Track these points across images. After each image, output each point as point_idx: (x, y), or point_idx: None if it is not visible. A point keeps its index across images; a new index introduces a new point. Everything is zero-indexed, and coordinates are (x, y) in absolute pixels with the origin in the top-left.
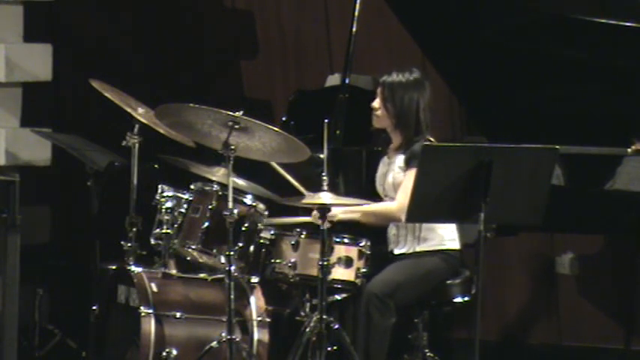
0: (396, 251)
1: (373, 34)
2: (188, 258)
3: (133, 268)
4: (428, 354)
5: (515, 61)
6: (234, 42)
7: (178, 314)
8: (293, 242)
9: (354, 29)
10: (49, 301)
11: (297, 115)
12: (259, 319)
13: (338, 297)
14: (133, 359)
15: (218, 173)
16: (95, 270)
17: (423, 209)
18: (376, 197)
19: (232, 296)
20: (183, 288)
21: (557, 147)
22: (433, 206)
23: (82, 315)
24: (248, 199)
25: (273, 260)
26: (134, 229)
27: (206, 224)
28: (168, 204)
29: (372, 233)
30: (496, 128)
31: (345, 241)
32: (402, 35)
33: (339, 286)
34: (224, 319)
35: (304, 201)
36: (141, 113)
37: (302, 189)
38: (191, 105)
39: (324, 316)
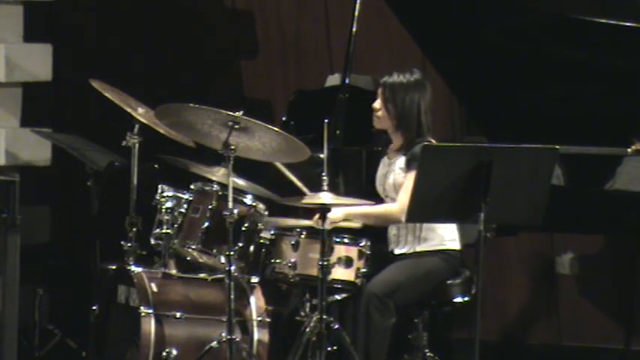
0: (397, 251)
1: (373, 34)
2: (188, 258)
3: (133, 268)
4: (428, 354)
5: (515, 61)
6: (234, 42)
7: (178, 314)
8: (293, 242)
9: (354, 29)
10: (49, 301)
11: (297, 115)
12: (259, 319)
13: (338, 297)
14: (133, 359)
15: (218, 173)
16: (95, 270)
17: (423, 209)
18: (376, 197)
19: (232, 296)
20: (183, 288)
21: (557, 147)
22: (433, 206)
23: (82, 315)
24: (248, 199)
25: (273, 260)
26: (134, 229)
27: (206, 224)
28: (168, 204)
29: (372, 233)
30: (496, 128)
31: (345, 241)
32: (402, 35)
33: (339, 286)
34: (224, 319)
35: (304, 201)
36: (141, 113)
37: (306, 190)
38: (191, 105)
39: (324, 316)
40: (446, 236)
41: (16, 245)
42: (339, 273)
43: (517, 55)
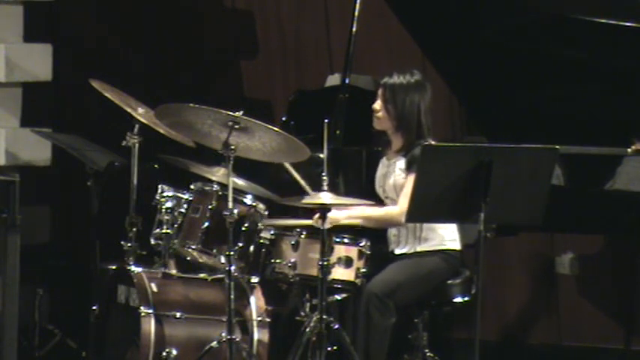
0: (397, 251)
1: (373, 34)
2: (188, 258)
3: (133, 268)
4: (428, 354)
5: (515, 61)
6: (234, 42)
7: (178, 314)
8: (293, 242)
9: (354, 29)
10: (49, 301)
11: (297, 115)
12: (259, 319)
13: (338, 297)
14: (133, 359)
15: (218, 173)
16: (95, 270)
17: (423, 209)
18: (376, 197)
19: (232, 296)
20: (183, 288)
21: (557, 147)
22: (433, 206)
23: (82, 315)
24: (248, 199)
25: (273, 260)
26: (134, 229)
27: (206, 224)
28: (168, 204)
29: (372, 233)
30: (496, 128)
31: (345, 241)
32: (402, 35)
33: (339, 286)
34: (224, 319)
35: (304, 201)
36: (141, 113)
37: (310, 191)
38: (191, 105)
39: (324, 316)
40: (446, 236)
41: (16, 245)
42: (339, 273)
43: (517, 55)
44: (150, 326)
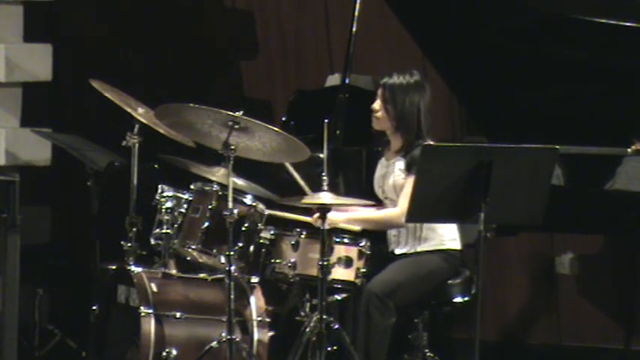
0: (397, 251)
1: (373, 35)
2: (188, 258)
3: (133, 268)
4: (428, 354)
5: (515, 61)
6: (234, 42)
7: (178, 314)
8: (293, 242)
9: (354, 29)
10: (49, 301)
11: (297, 115)
12: (259, 319)
13: (338, 297)
14: (133, 359)
15: (218, 173)
16: (95, 270)
17: (423, 209)
18: (376, 197)
19: (232, 296)
20: (183, 288)
21: (557, 147)
22: (433, 206)
23: (82, 315)
24: (248, 199)
25: (273, 260)
26: (134, 229)
27: (206, 224)
28: (168, 204)
29: (372, 233)
30: (496, 128)
31: (345, 241)
32: (402, 35)
33: (339, 286)
34: (224, 319)
35: (304, 201)
36: (141, 113)
37: (309, 191)
38: (191, 105)
39: (324, 316)
40: (446, 236)
41: (16, 245)
42: (339, 273)
43: (517, 55)
44: (150, 326)
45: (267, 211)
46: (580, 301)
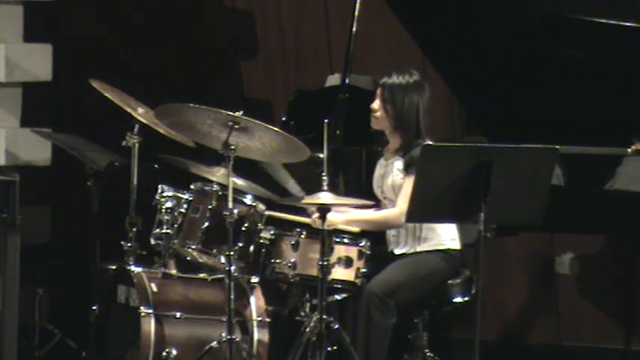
0: (397, 251)
1: (373, 35)
2: (188, 258)
3: (133, 268)
4: (428, 354)
5: (515, 61)
6: (234, 42)
7: (178, 314)
8: (293, 242)
9: (354, 29)
10: (49, 301)
11: (297, 115)
12: (259, 319)
13: (338, 297)
14: (133, 359)
15: (218, 173)
16: (95, 270)
17: (423, 209)
18: (376, 197)
19: (232, 296)
20: (183, 288)
21: (557, 147)
22: (433, 206)
23: (82, 315)
24: (248, 199)
25: (273, 260)
26: (134, 229)
27: (206, 224)
28: (168, 204)
29: (372, 233)
30: (496, 128)
31: (345, 241)
32: (402, 35)
33: (339, 286)
34: (224, 319)
35: (304, 201)
36: (141, 113)
37: (298, 191)
38: (191, 105)
39: (324, 316)
40: (446, 236)
41: (16, 245)
42: (339, 273)
43: (517, 55)
44: (150, 326)
45: (267, 212)
46: (580, 301)
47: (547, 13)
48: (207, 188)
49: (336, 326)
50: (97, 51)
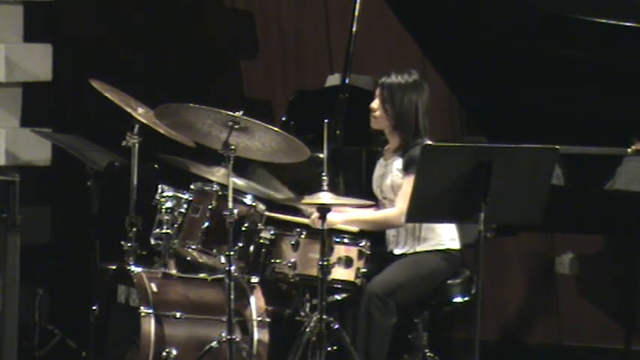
0: (396, 251)
1: (373, 35)
2: (188, 258)
3: (133, 268)
4: (428, 354)
5: (515, 61)
6: (234, 42)
7: (178, 314)
8: (293, 242)
9: (354, 29)
10: (49, 301)
11: (297, 115)
12: (259, 319)
13: (338, 297)
14: (133, 359)
15: (218, 173)
16: (95, 270)
17: (423, 209)
18: (376, 197)
19: (232, 296)
20: (183, 288)
21: (557, 147)
22: (433, 206)
23: (82, 315)
24: (248, 199)
25: (273, 260)
26: (134, 229)
27: (206, 224)
28: (168, 204)
29: (372, 234)
30: (496, 128)
31: (345, 241)
32: (402, 35)
33: (339, 286)
34: (224, 319)
35: (304, 201)
36: (141, 113)
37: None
38: (191, 105)
39: (324, 316)
40: (445, 236)
41: (16, 245)
42: (339, 273)
43: (517, 55)
44: (150, 326)
45: (266, 213)
46: (580, 301)
47: (547, 13)
48: (207, 188)
49: (336, 326)
50: (97, 51)
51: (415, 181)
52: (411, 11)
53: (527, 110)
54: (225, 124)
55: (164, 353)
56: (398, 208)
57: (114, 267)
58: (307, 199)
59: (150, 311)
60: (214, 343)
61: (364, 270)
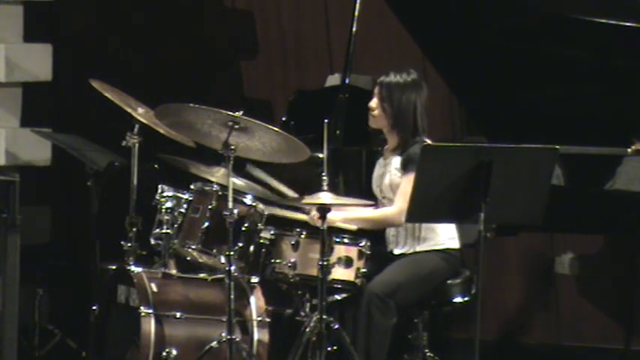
0: (396, 251)
1: (373, 34)
2: (188, 258)
3: (133, 268)
4: (428, 354)
5: (515, 61)
6: (234, 42)
7: (178, 314)
8: (293, 242)
9: (354, 29)
10: (49, 301)
11: (297, 115)
12: (259, 319)
13: (338, 297)
14: (133, 359)
15: (218, 173)
16: (95, 270)
17: (422, 209)
18: (376, 197)
19: (232, 296)
20: (183, 288)
21: (557, 147)
22: (433, 206)
23: (82, 315)
24: (248, 199)
25: (273, 260)
26: (134, 229)
27: (206, 224)
28: (168, 204)
29: (372, 233)
30: (496, 128)
31: (345, 241)
32: (402, 35)
33: (339, 286)
34: (224, 319)
35: (304, 201)
36: (141, 113)
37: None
38: (191, 105)
39: (324, 316)
40: (445, 236)
41: (16, 245)
42: (339, 273)
43: (517, 55)
44: (150, 326)
45: (267, 212)
46: (580, 301)
47: (547, 13)
48: (207, 188)
49: (336, 326)
50: (97, 51)
51: (415, 181)
52: (411, 11)
53: (527, 110)
54: (225, 124)
55: (164, 353)
56: (397, 206)
57: (114, 267)
58: (307, 199)
59: (150, 311)
60: (214, 343)
61: (364, 270)
